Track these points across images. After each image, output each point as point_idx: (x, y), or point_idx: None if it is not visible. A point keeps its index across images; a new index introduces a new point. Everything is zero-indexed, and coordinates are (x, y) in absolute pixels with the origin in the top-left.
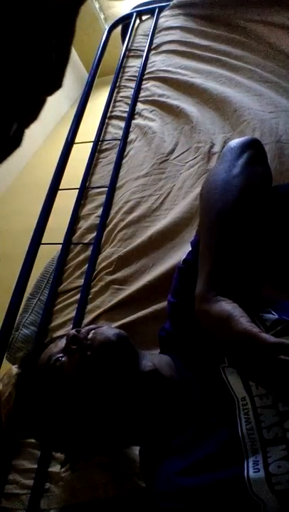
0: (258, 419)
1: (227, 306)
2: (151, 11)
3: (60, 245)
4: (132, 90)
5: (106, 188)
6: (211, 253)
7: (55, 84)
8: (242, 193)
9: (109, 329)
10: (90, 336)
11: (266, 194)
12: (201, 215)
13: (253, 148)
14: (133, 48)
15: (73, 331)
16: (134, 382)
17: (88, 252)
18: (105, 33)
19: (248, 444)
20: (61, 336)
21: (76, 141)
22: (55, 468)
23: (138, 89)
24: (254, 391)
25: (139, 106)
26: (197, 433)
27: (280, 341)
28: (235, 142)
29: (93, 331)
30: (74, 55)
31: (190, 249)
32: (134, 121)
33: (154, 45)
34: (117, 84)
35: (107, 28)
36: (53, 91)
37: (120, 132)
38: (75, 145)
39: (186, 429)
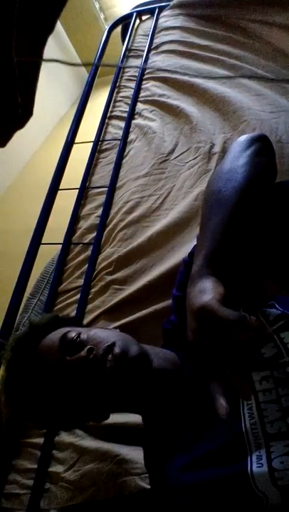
0: (262, 414)
1: (212, 283)
2: (151, 11)
3: (60, 245)
4: (132, 90)
5: (106, 188)
6: (208, 235)
7: (28, 116)
8: (244, 182)
9: (129, 345)
10: (113, 351)
11: (270, 183)
12: (202, 202)
13: (260, 141)
14: (133, 47)
15: (84, 353)
16: (145, 385)
17: (88, 252)
18: (105, 33)
19: (251, 439)
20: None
21: (76, 141)
22: (55, 468)
23: (138, 89)
24: (257, 386)
25: (139, 106)
26: (201, 429)
27: (240, 317)
28: (244, 137)
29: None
30: (74, 55)
31: (196, 243)
32: (134, 121)
33: (154, 45)
34: (117, 84)
35: (107, 28)
36: (25, 123)
37: (120, 132)
38: (75, 145)
39: (191, 425)
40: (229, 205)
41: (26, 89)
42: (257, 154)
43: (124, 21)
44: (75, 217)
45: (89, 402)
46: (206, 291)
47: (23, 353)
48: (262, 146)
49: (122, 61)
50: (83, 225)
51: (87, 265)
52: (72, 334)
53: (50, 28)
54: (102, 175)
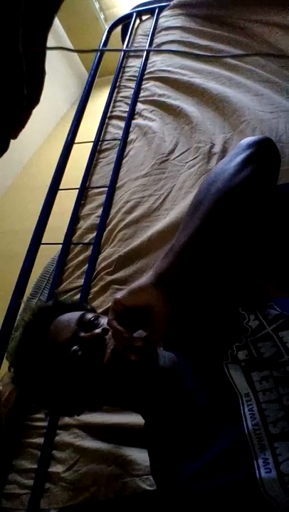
0: (263, 415)
1: (139, 287)
2: (151, 11)
3: (60, 245)
4: (132, 90)
5: (106, 188)
6: (174, 244)
7: (35, 101)
8: (222, 190)
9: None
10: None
11: (258, 189)
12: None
13: (256, 147)
14: (133, 47)
15: (99, 330)
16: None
17: (88, 252)
18: (105, 33)
19: (255, 441)
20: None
21: (76, 141)
22: (55, 468)
23: (138, 89)
24: (257, 386)
25: (139, 106)
26: (204, 433)
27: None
28: (247, 139)
29: None
30: (74, 55)
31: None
32: (134, 121)
33: (154, 45)
34: (117, 84)
35: (107, 28)
36: (33, 107)
37: (120, 132)
38: (75, 145)
39: (193, 429)
40: (203, 211)
41: (35, 78)
42: (246, 161)
43: (124, 21)
44: (75, 217)
45: (90, 383)
46: (124, 290)
47: (42, 319)
48: (255, 152)
49: (122, 61)
50: (83, 225)
51: (87, 265)
52: (90, 315)
53: (49, 22)
54: (102, 175)
